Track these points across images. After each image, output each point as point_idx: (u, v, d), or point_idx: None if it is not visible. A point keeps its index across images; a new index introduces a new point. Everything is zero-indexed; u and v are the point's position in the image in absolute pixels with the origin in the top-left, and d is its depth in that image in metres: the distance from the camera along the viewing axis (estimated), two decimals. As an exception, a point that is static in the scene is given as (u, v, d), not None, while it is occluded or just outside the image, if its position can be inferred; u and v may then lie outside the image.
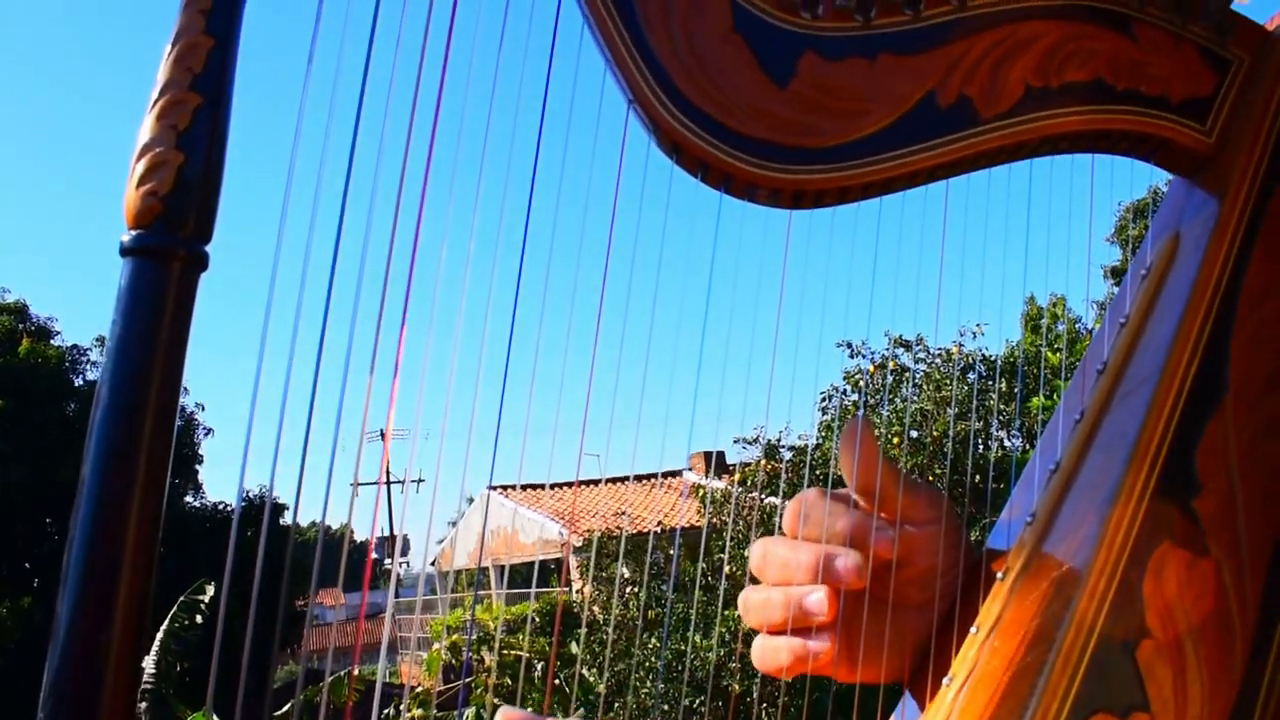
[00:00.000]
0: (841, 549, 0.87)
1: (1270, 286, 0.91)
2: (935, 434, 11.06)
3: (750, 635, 0.92)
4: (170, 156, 0.68)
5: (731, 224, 0.86)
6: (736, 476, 12.57)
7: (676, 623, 11.13)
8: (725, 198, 0.85)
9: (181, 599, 12.11)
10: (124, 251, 0.68)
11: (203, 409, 22.61)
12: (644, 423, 0.94)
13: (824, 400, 12.08)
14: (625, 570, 12.78)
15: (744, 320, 0.92)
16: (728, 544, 10.41)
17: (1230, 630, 0.81)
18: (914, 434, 11.38)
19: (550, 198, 0.77)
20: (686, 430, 0.97)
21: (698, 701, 10.75)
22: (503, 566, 25.18)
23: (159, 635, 11.59)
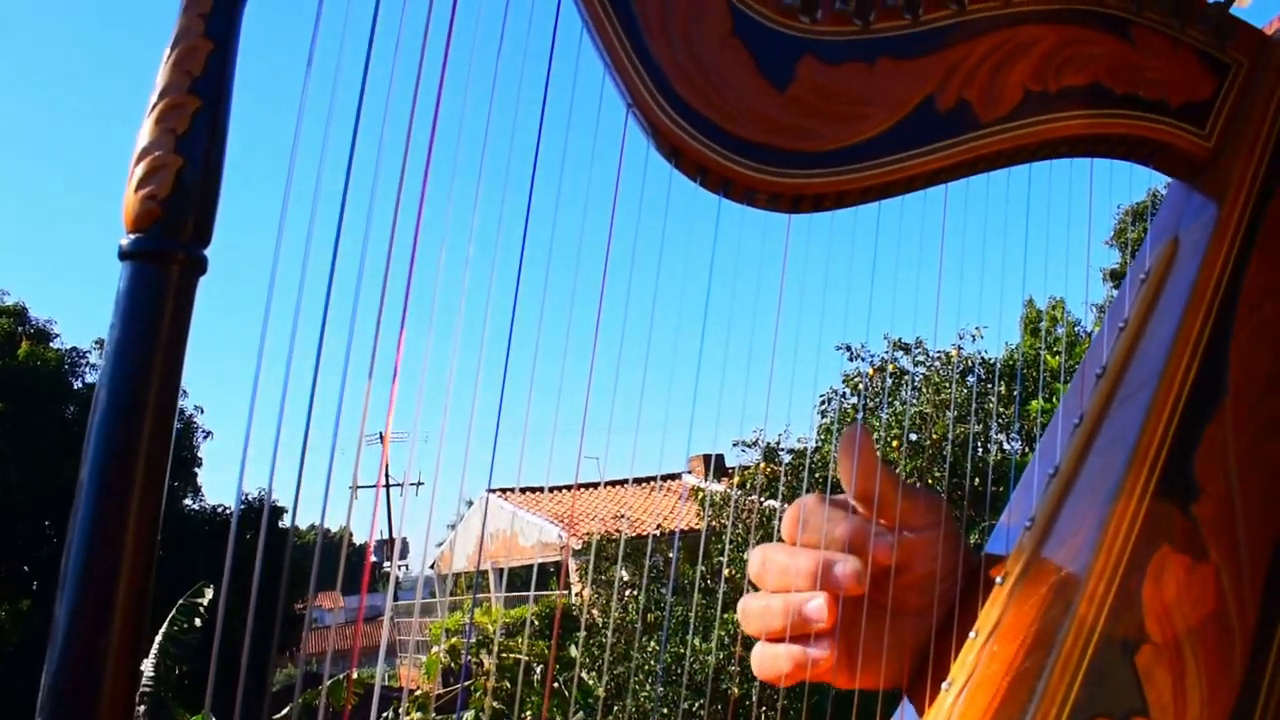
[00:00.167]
0: (840, 555, 0.86)
1: (1269, 289, 0.91)
2: (934, 437, 11.06)
3: (749, 639, 0.92)
4: (169, 160, 0.68)
5: (730, 227, 0.86)
6: (736, 479, 12.56)
7: (676, 626, 11.13)
8: (724, 201, 0.85)
9: (180, 602, 12.09)
10: (123, 255, 0.68)
11: (202, 411, 22.58)
12: (643, 426, 0.94)
13: (823, 403, 12.07)
14: (624, 573, 12.78)
15: (743, 323, 0.92)
16: (727, 547, 10.40)
17: (1229, 634, 0.81)
18: (913, 437, 11.37)
19: (549, 201, 0.77)
20: (686, 433, 0.97)
21: (697, 705, 10.74)
22: (501, 569, 25.16)
23: (158, 638, 11.57)
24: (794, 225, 0.86)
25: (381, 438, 0.77)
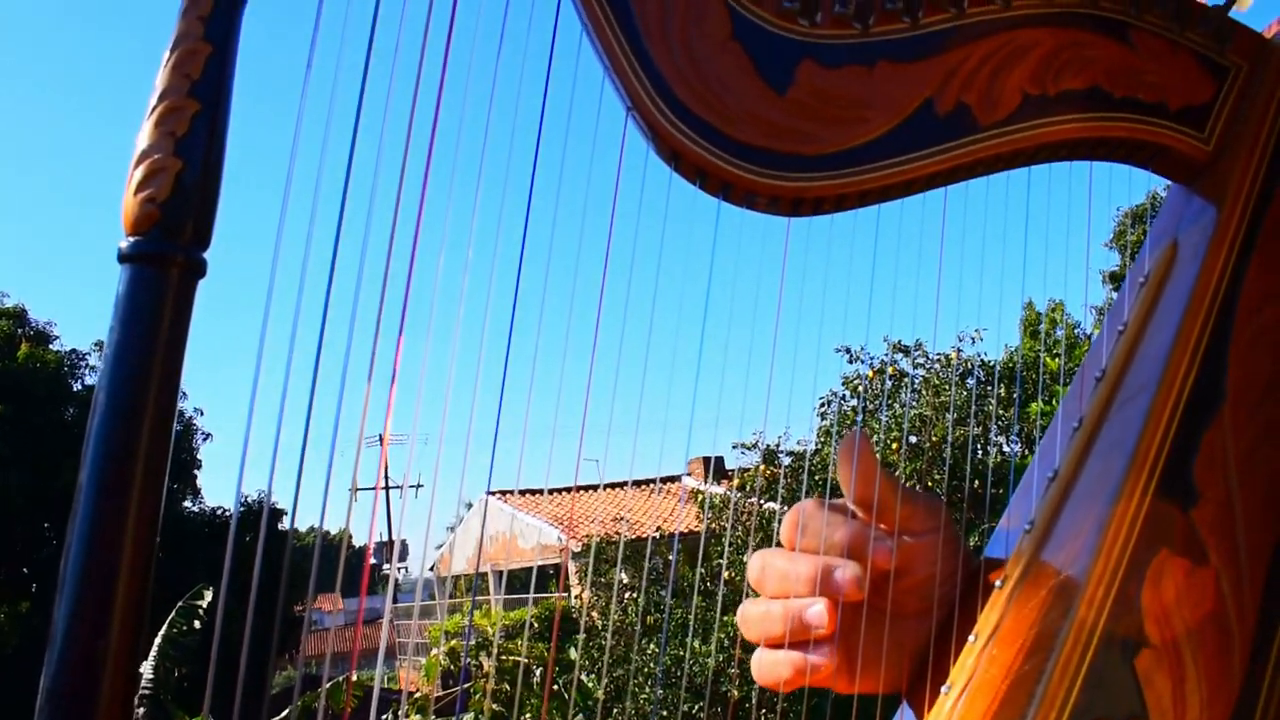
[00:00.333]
0: (840, 560, 0.86)
1: (1269, 293, 0.91)
2: (934, 439, 11.05)
3: (749, 641, 0.92)
4: (168, 163, 0.68)
5: (730, 230, 0.86)
6: (735, 482, 12.56)
7: (675, 628, 11.12)
8: (724, 204, 0.85)
9: (180, 604, 12.08)
10: (122, 258, 0.68)
11: (201, 414, 22.57)
12: (643, 428, 0.94)
13: (823, 405, 12.07)
14: (624, 575, 12.78)
15: (743, 326, 0.92)
16: (726, 549, 10.40)
17: (1229, 638, 0.81)
18: (913, 439, 11.36)
19: (549, 204, 0.77)
20: (686, 435, 0.97)
21: (696, 707, 10.74)
22: (501, 572, 25.15)
23: (157, 640, 11.56)
24: (793, 228, 0.86)
25: (381, 440, 0.77)
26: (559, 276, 0.79)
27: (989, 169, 0.90)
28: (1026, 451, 10.50)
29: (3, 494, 18.28)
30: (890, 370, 12.05)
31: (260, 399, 0.66)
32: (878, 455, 0.90)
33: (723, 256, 0.86)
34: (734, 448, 11.97)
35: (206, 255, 0.70)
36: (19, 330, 21.03)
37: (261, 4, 0.73)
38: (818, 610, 0.85)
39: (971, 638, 0.84)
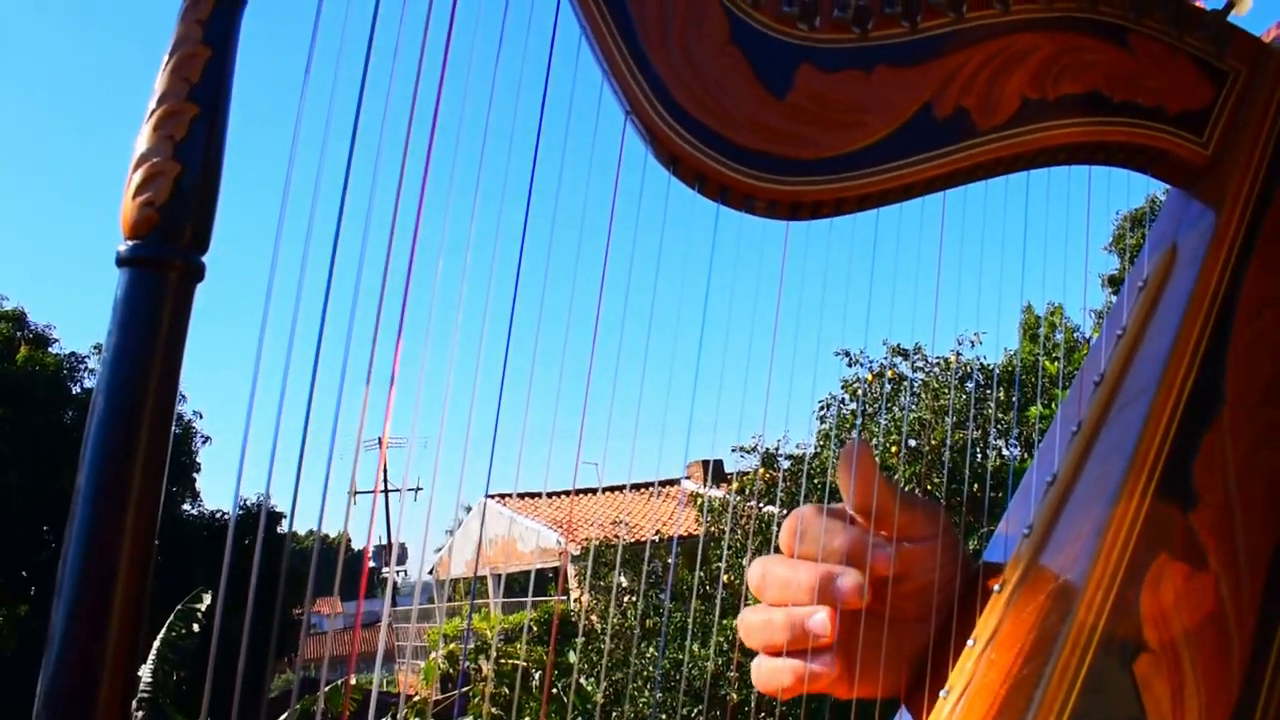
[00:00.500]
0: (841, 568, 0.86)
1: (1268, 297, 0.91)
2: (933, 443, 11.06)
3: (749, 648, 0.92)
4: (167, 167, 0.69)
5: (729, 234, 0.86)
6: (735, 485, 12.56)
7: (674, 631, 11.12)
8: (722, 208, 0.85)
9: (179, 607, 12.08)
10: (120, 261, 0.68)
11: (201, 417, 22.57)
12: (642, 431, 0.94)
13: (822, 409, 12.07)
14: (623, 579, 12.78)
15: (742, 329, 0.92)
16: (725, 552, 10.40)
17: (1228, 641, 0.81)
18: (912, 443, 11.37)
19: (547, 207, 0.77)
20: (685, 439, 0.97)
21: (695, 711, 10.74)
22: (500, 575, 25.15)
23: (156, 644, 11.56)
24: (792, 232, 0.86)
25: (380, 443, 0.77)
26: (558, 279, 0.79)
27: (988, 173, 0.90)
28: (1026, 455, 10.51)
29: (2, 496, 18.28)
30: (889, 374, 12.06)
31: (260, 402, 0.66)
32: (877, 460, 0.89)
33: (722, 260, 0.86)
34: (733, 451, 11.99)
35: (205, 259, 0.70)
36: (18, 333, 21.03)
37: (260, 8, 0.73)
38: (820, 619, 0.85)
39: (970, 642, 0.84)
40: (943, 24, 0.88)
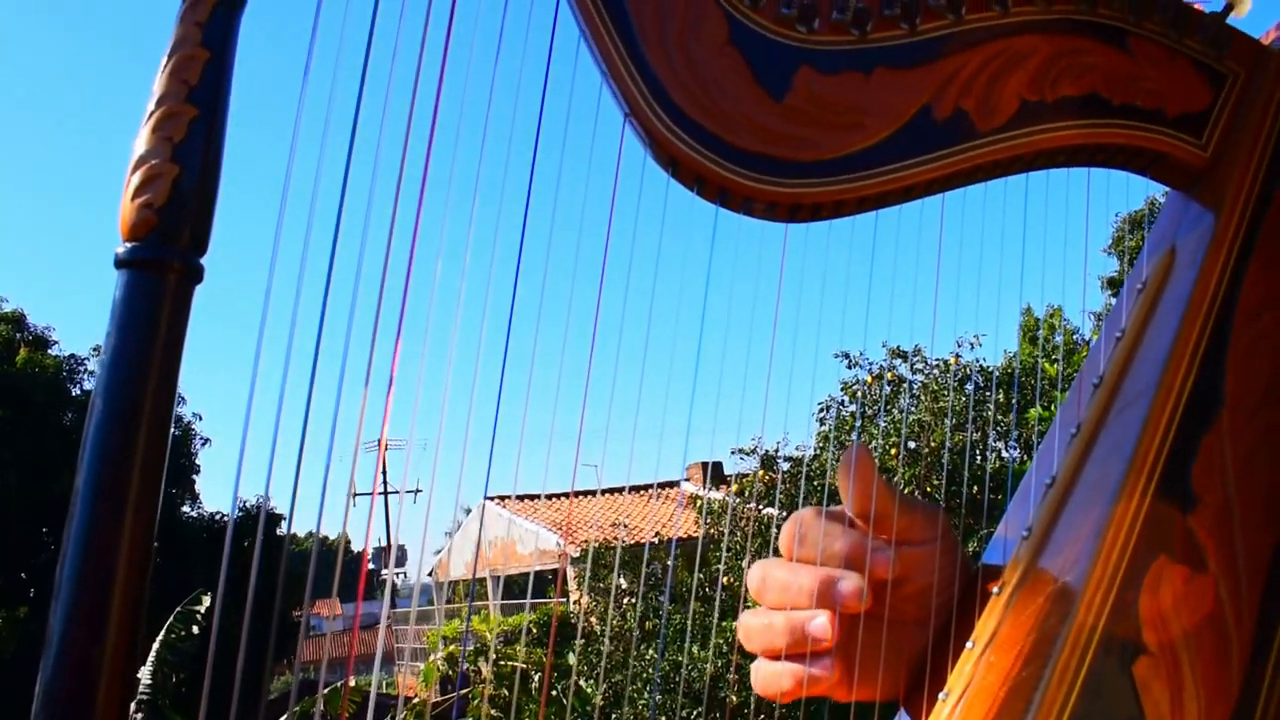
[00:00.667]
0: (841, 572, 0.86)
1: (1267, 299, 0.91)
2: (933, 444, 11.06)
3: (749, 652, 0.92)
4: (165, 169, 0.68)
5: (728, 235, 0.86)
6: (734, 487, 12.56)
7: (673, 633, 11.13)
8: (721, 210, 0.85)
9: (178, 609, 12.08)
10: (119, 263, 0.68)
11: (200, 419, 22.57)
12: (642, 433, 0.94)
13: (821, 411, 12.09)
14: (622, 581, 12.78)
15: (741, 331, 0.92)
16: (723, 554, 10.40)
17: (1227, 643, 0.81)
18: (911, 445, 11.37)
19: (546, 209, 0.77)
20: (685, 441, 0.97)
21: (695, 713, 10.74)
22: (499, 577, 25.14)
23: (155, 645, 11.55)
24: (792, 233, 0.86)
25: (379, 444, 0.77)
26: (557, 281, 0.79)
27: (987, 175, 0.90)
28: (1025, 457, 10.51)
29: (1, 498, 18.27)
30: (889, 375, 12.07)
31: (260, 404, 0.66)
32: (877, 463, 0.89)
33: (720, 261, 0.86)
34: (733, 453, 11.99)
35: (204, 261, 0.70)
36: (18, 335, 21.04)
37: (259, 11, 0.73)
38: (820, 623, 0.85)
39: (969, 644, 0.84)
40: (942, 26, 0.88)
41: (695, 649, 10.87)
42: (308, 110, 0.68)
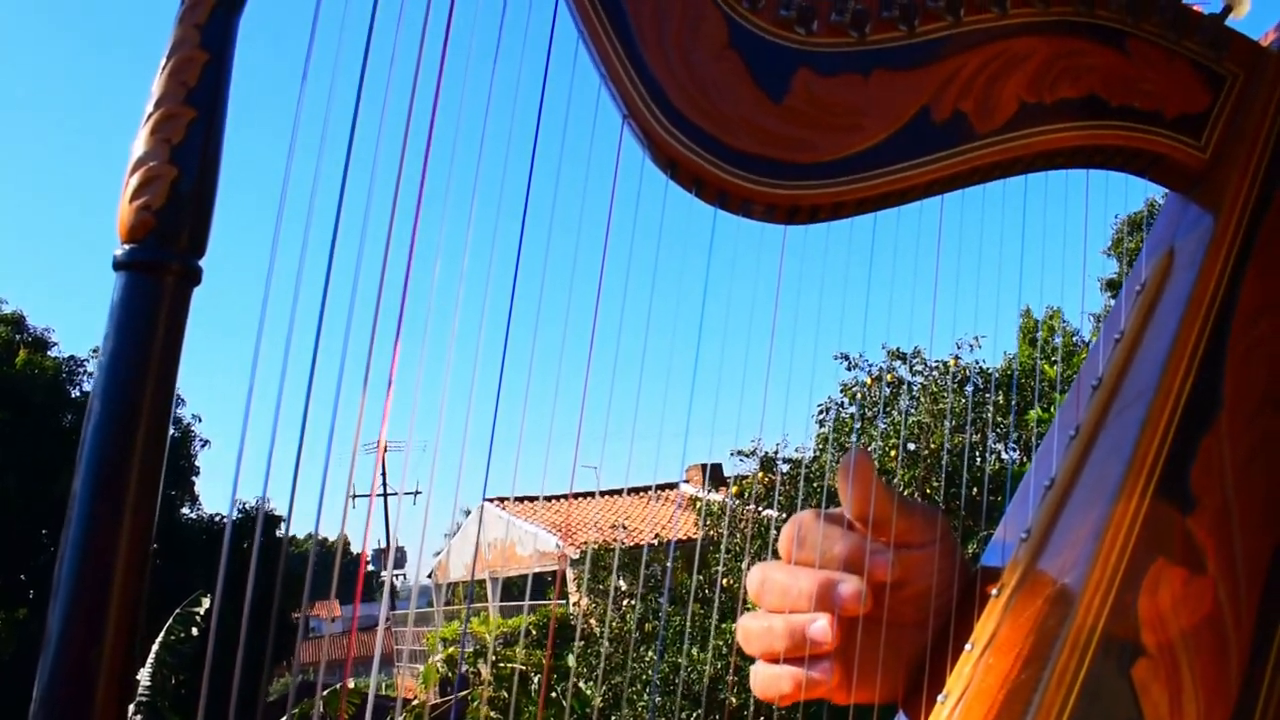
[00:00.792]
0: (841, 575, 0.86)
1: (1266, 302, 0.91)
2: (932, 446, 11.06)
3: (748, 655, 0.92)
4: (164, 171, 0.68)
5: (728, 237, 0.86)
6: (733, 489, 12.56)
7: (673, 635, 11.12)
8: (720, 212, 0.85)
9: (177, 611, 12.07)
10: (117, 265, 0.68)
11: (200, 420, 22.58)
12: (642, 435, 0.94)
13: (821, 413, 12.09)
14: (622, 583, 12.77)
15: (740, 333, 0.92)
16: (722, 556, 10.39)
17: (1226, 645, 0.81)
18: (911, 446, 11.37)
19: (545, 212, 0.77)
20: (684, 443, 0.97)
21: (694, 715, 10.73)
22: (498, 579, 25.13)
23: (154, 647, 11.55)
24: (791, 235, 0.86)
25: (378, 445, 0.77)
26: (555, 283, 0.79)
27: (986, 176, 0.90)
28: (1024, 459, 10.51)
29: (0, 500, 18.27)
30: (888, 377, 12.07)
31: (259, 406, 0.66)
32: (876, 467, 0.89)
33: (720, 263, 0.86)
34: (732, 455, 11.99)
35: (202, 262, 0.70)
36: (17, 336, 21.04)
37: (258, 13, 0.73)
38: (820, 626, 0.85)
39: (968, 646, 0.84)
40: (940, 28, 0.88)
41: (694, 651, 10.86)
42: (306, 112, 0.68)
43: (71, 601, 0.64)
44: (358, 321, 0.68)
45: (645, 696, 11.32)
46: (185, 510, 21.84)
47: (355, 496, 0.76)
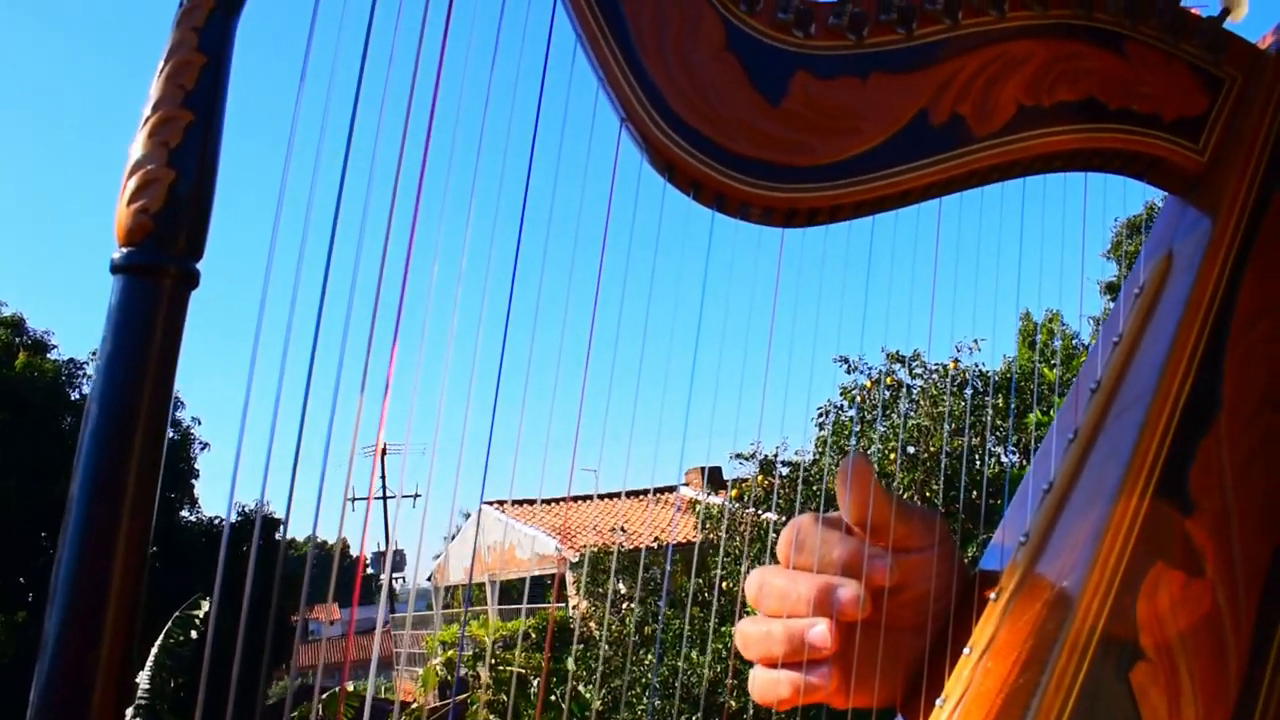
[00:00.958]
0: (840, 579, 0.86)
1: (1264, 305, 0.91)
2: (932, 449, 11.06)
3: (747, 659, 0.92)
4: (161, 174, 0.68)
5: (727, 240, 0.86)
6: (733, 492, 12.56)
7: (672, 639, 11.12)
8: (719, 215, 0.85)
9: (176, 614, 12.06)
10: (114, 269, 0.68)
11: (199, 423, 22.60)
12: (641, 438, 0.94)
13: (820, 416, 12.08)
14: (621, 586, 12.77)
15: (739, 336, 0.92)
16: (721, 559, 10.39)
17: (1225, 649, 0.80)
18: (911, 449, 11.37)
19: (543, 215, 0.77)
20: (683, 446, 0.97)
21: (693, 718, 10.73)
22: (497, 582, 25.11)
23: (154, 650, 11.54)
24: (790, 238, 0.86)
25: (376, 447, 0.77)
26: (554, 286, 0.79)
27: (984, 179, 0.90)
28: (1024, 462, 10.51)
29: (0, 502, 18.27)
30: (888, 380, 12.06)
31: (259, 409, 0.66)
32: (875, 471, 0.89)
33: (719, 266, 0.86)
34: (732, 458, 11.98)
35: (200, 265, 0.70)
36: (17, 339, 21.05)
37: (256, 16, 0.73)
38: (820, 631, 0.85)
39: (967, 650, 0.84)
40: (938, 31, 0.88)
41: (694, 654, 10.86)
42: (304, 116, 0.68)
43: (69, 605, 0.64)
44: (356, 324, 0.68)
45: (644, 700, 11.31)
46: (184, 513, 21.85)
47: (354, 499, 0.76)
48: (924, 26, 0.88)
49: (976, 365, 11.46)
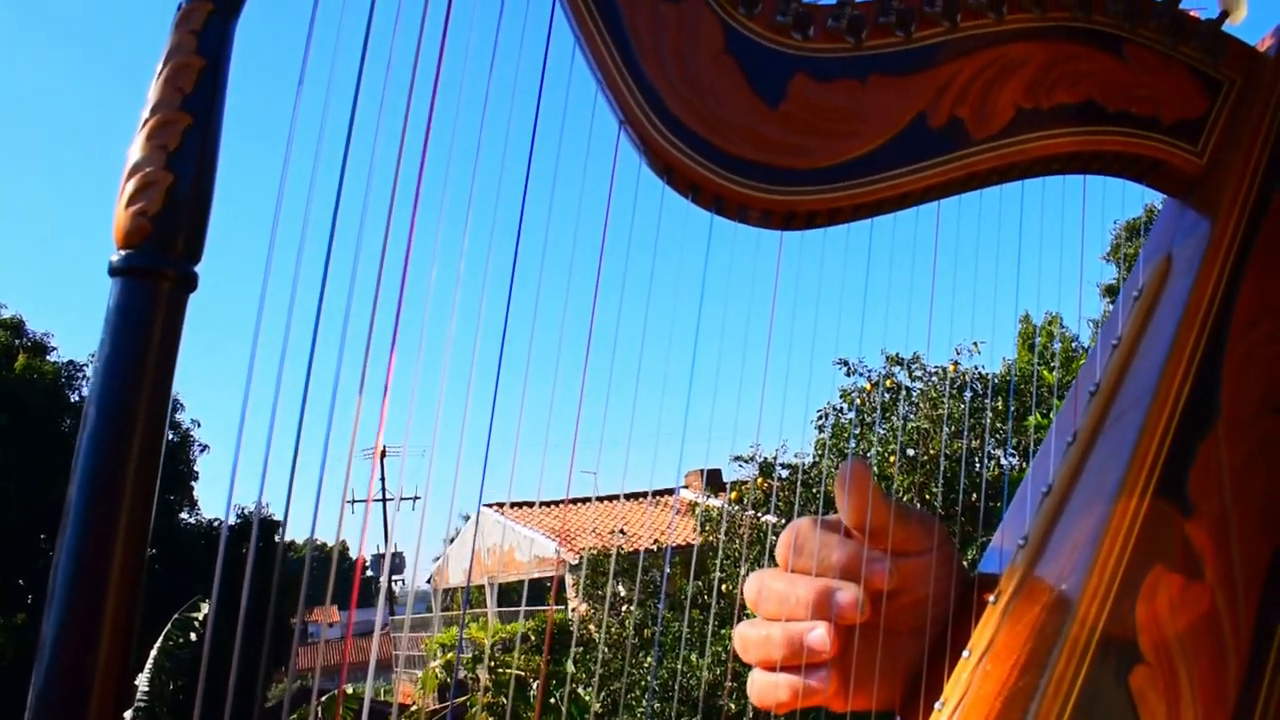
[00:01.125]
0: (839, 583, 0.86)
1: (1264, 307, 0.91)
2: (931, 452, 11.06)
3: (745, 663, 0.92)
4: (160, 176, 0.68)
5: (726, 243, 0.86)
6: (732, 495, 12.56)
7: (672, 641, 11.11)
8: (717, 217, 0.85)
9: (176, 616, 12.06)
10: (113, 271, 0.68)
11: (199, 425, 22.57)
12: (641, 441, 0.94)
13: (820, 418, 12.08)
14: (620, 588, 12.77)
15: (738, 339, 0.92)
16: (720, 561, 10.40)
17: (1224, 652, 0.80)
18: (910, 452, 11.37)
19: (542, 218, 0.77)
20: (682, 448, 0.97)
21: (693, 720, 10.72)
22: (496, 584, 25.10)
23: (152, 653, 11.54)
24: (789, 240, 0.86)
25: (375, 449, 0.77)
26: (552, 289, 0.79)
27: (983, 182, 0.90)
28: (1023, 464, 10.50)
29: (-1, 504, 18.28)
30: (888, 383, 12.06)
31: (258, 411, 0.66)
32: (874, 475, 0.89)
33: (718, 268, 0.86)
34: (731, 460, 11.98)
35: (199, 268, 0.70)
36: (16, 341, 21.03)
37: (254, 19, 0.73)
38: (819, 635, 0.85)
39: (966, 653, 0.84)
40: (937, 34, 0.88)
41: (693, 657, 10.85)
42: (303, 118, 0.68)
43: (67, 607, 0.64)
44: (355, 325, 0.68)
45: (643, 702, 11.31)
46: (184, 515, 21.83)
47: (353, 501, 0.76)
48: (923, 29, 0.88)
49: (976, 368, 11.46)
